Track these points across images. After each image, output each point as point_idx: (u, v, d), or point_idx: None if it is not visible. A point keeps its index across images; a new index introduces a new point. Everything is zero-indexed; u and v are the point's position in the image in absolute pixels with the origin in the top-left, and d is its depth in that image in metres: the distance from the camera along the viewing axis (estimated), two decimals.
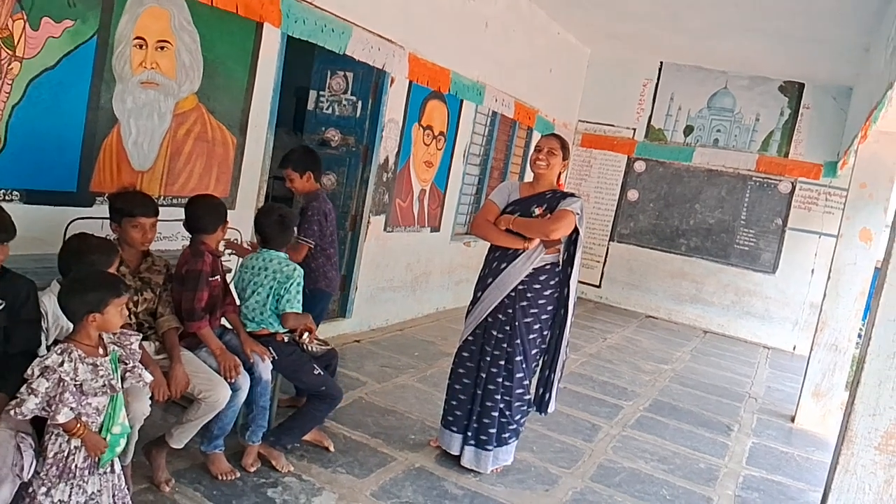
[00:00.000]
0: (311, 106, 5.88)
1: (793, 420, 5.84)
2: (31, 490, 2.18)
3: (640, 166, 9.78)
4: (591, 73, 9.87)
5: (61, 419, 2.13)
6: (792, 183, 8.99)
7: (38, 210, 3.21)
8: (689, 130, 9.47)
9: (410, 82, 5.86)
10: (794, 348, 8.94)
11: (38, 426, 2.27)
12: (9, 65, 3.03)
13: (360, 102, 5.67)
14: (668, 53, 9.13)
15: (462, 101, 6.78)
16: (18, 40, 3.04)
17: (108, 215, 3.00)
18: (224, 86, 4.10)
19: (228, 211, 3.76)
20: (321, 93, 5.83)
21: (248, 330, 3.34)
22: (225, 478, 3.12)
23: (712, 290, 9.46)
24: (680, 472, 4.28)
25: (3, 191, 3.08)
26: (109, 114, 3.49)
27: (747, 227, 9.27)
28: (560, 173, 3.64)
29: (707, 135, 9.38)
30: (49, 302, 2.48)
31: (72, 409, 2.15)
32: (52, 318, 2.49)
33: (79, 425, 2.18)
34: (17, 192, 3.15)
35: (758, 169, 9.10)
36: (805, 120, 8.90)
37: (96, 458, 2.24)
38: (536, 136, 8.58)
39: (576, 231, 3.51)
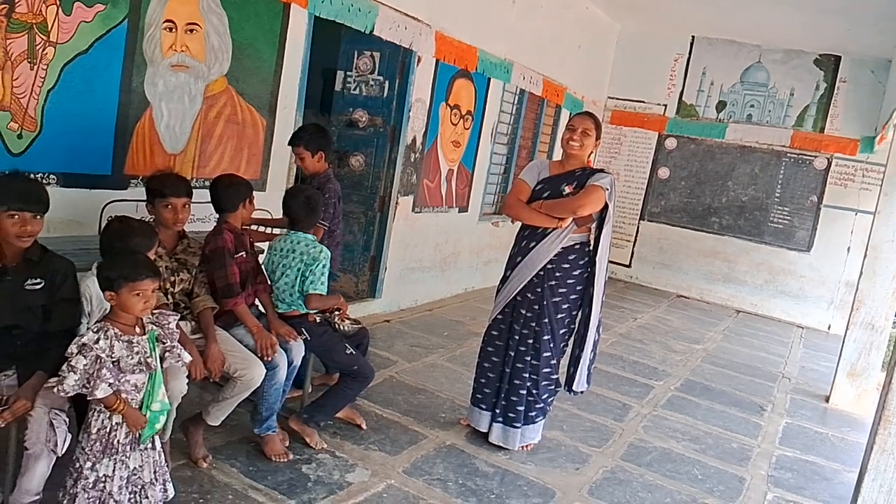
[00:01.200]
0: (338, 87, 5.88)
1: (827, 400, 5.75)
2: (77, 465, 2.24)
3: (671, 143, 9.63)
4: (620, 49, 9.71)
5: (99, 395, 2.18)
6: (828, 159, 8.78)
7: (75, 193, 3.27)
8: (721, 106, 9.28)
9: (437, 61, 5.83)
10: (828, 328, 8.78)
11: (83, 405, 2.33)
12: (43, 50, 3.08)
13: (386, 82, 5.65)
14: (700, 27, 8.93)
15: (489, 80, 6.73)
16: (52, 25, 3.08)
17: (142, 198, 3.05)
18: (253, 67, 4.12)
19: (259, 192, 3.81)
20: (348, 73, 5.83)
21: (279, 311, 3.38)
22: (278, 459, 3.17)
23: (745, 269, 9.31)
24: (712, 452, 4.25)
25: (40, 174, 3.14)
26: (141, 97, 3.53)
27: (781, 204, 9.09)
28: (592, 152, 3.60)
29: (740, 110, 9.19)
30: (92, 285, 2.53)
31: (110, 385, 2.20)
32: (95, 301, 2.53)
33: (118, 401, 2.23)
34: (53, 176, 3.21)
35: (792, 145, 8.89)
36: (841, 94, 8.66)
37: (137, 434, 2.29)
38: (565, 114, 8.49)
39: (605, 207, 3.48)
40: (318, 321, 3.44)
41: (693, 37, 9.33)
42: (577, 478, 3.60)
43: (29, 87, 3.07)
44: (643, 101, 9.68)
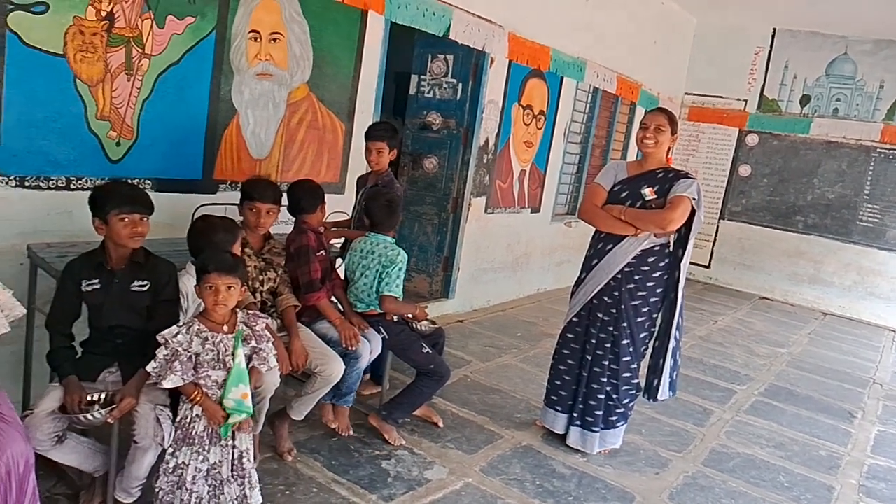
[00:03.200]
0: (412, 90, 5.97)
1: None
2: (164, 451, 2.39)
3: (752, 139, 9.30)
4: (697, 43, 9.46)
5: (167, 385, 2.30)
6: None
7: (168, 197, 3.45)
8: (805, 100, 8.91)
9: (510, 62, 5.83)
10: None
11: (178, 398, 2.47)
12: (139, 62, 3.26)
13: (460, 85, 5.70)
14: (782, 19, 8.60)
15: (562, 79, 6.68)
16: (147, 39, 3.26)
17: (231, 201, 3.20)
18: (332, 74, 4.24)
19: (338, 196, 3.93)
20: (422, 77, 5.91)
21: (357, 310, 3.48)
22: (343, 433, 3.37)
23: (832, 270, 8.90)
24: (798, 459, 4.10)
25: (136, 180, 3.33)
26: (229, 105, 3.69)
27: (871, 201, 8.64)
28: (669, 148, 3.51)
29: (825, 104, 8.80)
30: (188, 282, 2.67)
31: (183, 379, 2.31)
32: (191, 298, 2.68)
33: (196, 392, 2.35)
34: (148, 181, 3.40)
35: (883, 139, 8.45)
36: None
37: (216, 426, 2.38)
38: (640, 112, 8.33)
39: (692, 213, 3.37)
40: (395, 320, 3.52)
41: (774, 29, 8.99)
42: (657, 482, 3.53)
43: (126, 98, 3.25)
44: (722, 97, 9.39)
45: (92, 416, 2.31)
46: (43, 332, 2.78)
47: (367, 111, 4.53)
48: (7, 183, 2.92)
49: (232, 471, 2.44)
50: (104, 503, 2.54)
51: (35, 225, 3.03)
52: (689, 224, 3.39)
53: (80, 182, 3.15)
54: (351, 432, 3.44)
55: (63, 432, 2.37)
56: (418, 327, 3.61)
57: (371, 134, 3.84)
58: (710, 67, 9.38)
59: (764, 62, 9.12)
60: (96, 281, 2.47)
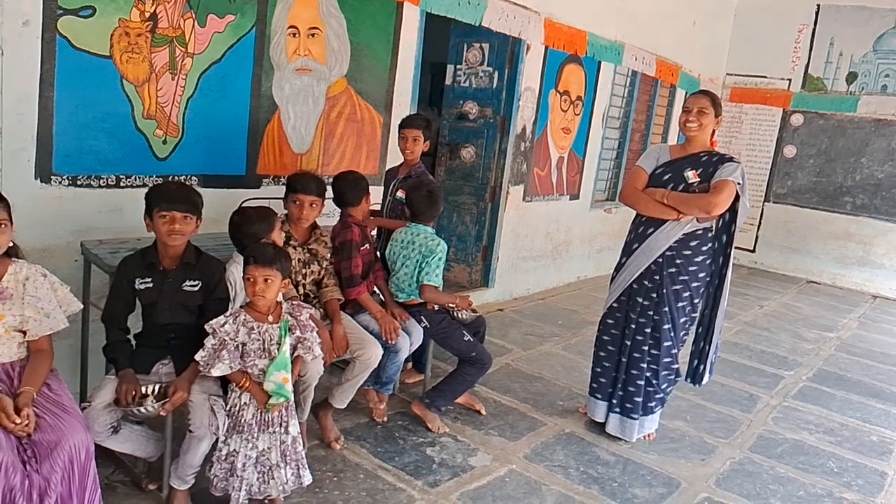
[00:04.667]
0: (448, 80, 5.98)
1: None
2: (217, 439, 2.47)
3: (797, 119, 9.06)
4: (738, 22, 9.24)
5: (215, 373, 2.39)
6: None
7: (213, 193, 3.52)
8: (852, 78, 8.65)
9: (546, 48, 5.79)
10: None
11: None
12: (182, 61, 3.34)
13: (496, 73, 5.69)
14: None
15: (600, 63, 6.60)
16: (189, 38, 3.34)
17: (274, 195, 3.26)
18: (369, 67, 4.27)
19: (377, 187, 3.96)
20: (458, 66, 5.91)
21: (399, 300, 3.53)
22: (378, 419, 3.47)
23: (882, 252, 8.64)
24: (849, 445, 4.02)
25: (183, 176, 3.43)
26: (270, 101, 3.76)
27: None
28: (713, 131, 3.45)
29: (873, 81, 8.52)
30: (236, 271, 2.75)
31: (231, 367, 2.39)
32: (238, 286, 2.75)
33: (244, 379, 2.43)
34: (195, 177, 3.49)
35: None
36: None
37: (262, 410, 2.45)
38: (680, 95, 8.20)
39: (736, 198, 3.32)
40: (436, 309, 3.55)
41: (818, 5, 8.74)
42: (703, 469, 3.51)
43: (171, 97, 3.34)
44: (765, 77, 9.17)
45: (145, 408, 2.39)
46: (98, 326, 2.89)
47: (404, 103, 4.56)
48: (60, 182, 3.02)
49: (284, 455, 2.52)
50: (160, 489, 2.63)
51: (87, 222, 3.14)
52: (732, 209, 3.34)
53: (129, 180, 3.25)
54: (385, 419, 3.49)
55: (118, 422, 2.46)
56: (459, 315, 3.63)
57: (407, 122, 3.86)
58: (751, 47, 9.17)
59: (808, 39, 8.87)
60: (149, 280, 2.54)
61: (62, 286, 2.36)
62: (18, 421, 2.02)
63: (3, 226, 2.17)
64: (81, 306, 2.48)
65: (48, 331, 2.28)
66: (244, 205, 3.35)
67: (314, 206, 3.08)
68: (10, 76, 2.78)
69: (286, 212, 3.14)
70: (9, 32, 2.75)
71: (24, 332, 2.26)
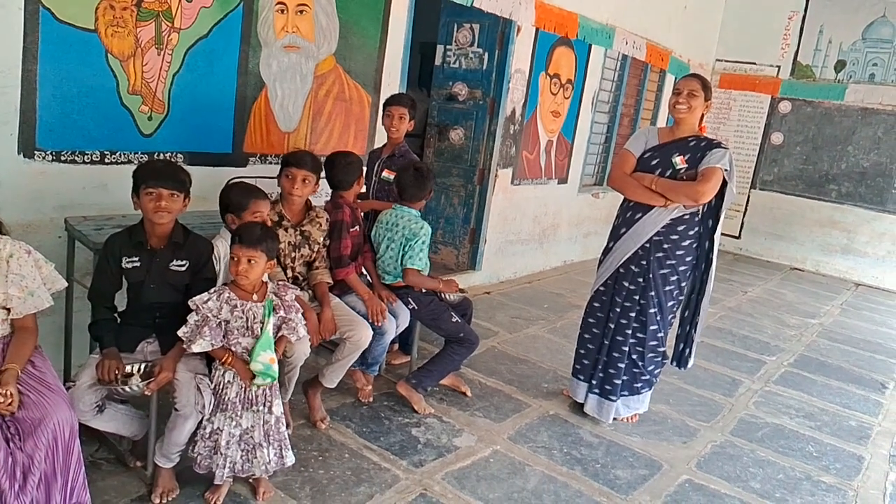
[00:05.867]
0: (438, 61, 5.93)
1: None
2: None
3: (785, 107, 9.10)
4: (729, 8, 9.24)
5: (195, 349, 2.38)
6: None
7: (199, 171, 3.45)
8: (840, 66, 8.68)
9: (537, 30, 5.76)
10: None
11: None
12: (168, 36, 3.28)
13: (486, 54, 5.65)
14: None
15: (590, 46, 6.58)
16: (176, 12, 3.28)
17: (260, 174, 3.23)
18: (358, 45, 4.23)
19: (365, 168, 3.92)
20: (448, 47, 5.86)
21: (385, 282, 3.52)
22: (364, 399, 3.51)
23: (866, 240, 8.74)
24: (828, 430, 4.08)
25: (169, 153, 3.39)
26: (257, 78, 3.71)
27: None
28: (702, 116, 3.45)
29: (861, 70, 8.57)
30: (221, 246, 2.74)
31: (212, 343, 2.39)
32: (223, 261, 2.75)
33: (227, 355, 2.43)
34: (180, 154, 3.45)
35: None
36: None
37: (247, 386, 2.45)
38: (670, 79, 8.20)
39: (724, 183, 3.33)
40: (423, 291, 3.55)
41: None
42: (685, 451, 3.55)
43: (157, 72, 3.29)
44: (754, 63, 9.19)
45: (130, 387, 2.38)
46: (82, 303, 2.88)
47: (393, 83, 4.52)
48: (44, 157, 2.98)
49: (268, 435, 2.52)
50: (145, 467, 2.63)
51: (72, 198, 3.10)
52: (720, 194, 3.35)
53: (114, 156, 3.21)
54: (371, 399, 3.51)
55: (103, 401, 2.45)
56: (447, 297, 3.64)
57: (393, 100, 3.82)
58: (742, 33, 9.17)
59: (798, 27, 8.89)
60: (136, 259, 2.51)
61: (47, 264, 2.33)
62: (1, 399, 2.00)
63: None
64: (66, 284, 2.45)
65: (32, 310, 2.25)
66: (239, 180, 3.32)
67: (307, 181, 3.03)
68: None
69: (280, 190, 3.11)
70: None
71: (8, 310, 2.23)
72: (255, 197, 2.77)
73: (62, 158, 3.04)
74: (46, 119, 2.95)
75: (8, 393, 2.02)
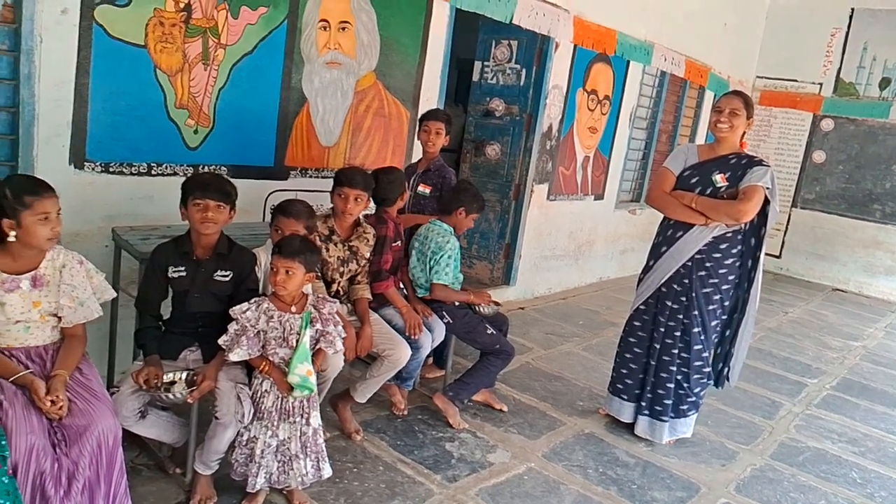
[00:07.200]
0: (475, 77, 5.97)
1: None
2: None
3: (827, 125, 8.93)
4: (770, 25, 9.12)
5: (233, 357, 2.42)
6: None
7: (242, 183, 3.48)
8: (885, 83, 8.50)
9: (575, 46, 5.76)
10: None
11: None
12: (215, 52, 3.37)
13: (523, 70, 5.66)
14: None
15: (628, 63, 6.56)
16: (222, 29, 3.37)
17: (301, 188, 3.28)
18: (398, 62, 4.28)
19: None
20: (485, 63, 5.89)
21: (419, 296, 3.55)
22: (398, 411, 3.51)
23: None
24: (872, 455, 3.96)
25: (213, 166, 3.46)
26: (299, 93, 3.78)
27: None
28: (743, 133, 3.41)
29: None
30: (263, 256, 2.81)
31: (249, 353, 2.43)
32: (263, 272, 2.80)
33: (264, 363, 2.47)
34: (224, 167, 3.52)
35: None
36: None
37: (285, 396, 2.47)
38: (709, 96, 8.13)
39: (766, 202, 3.27)
40: (456, 304, 3.55)
41: (853, 9, 8.59)
42: (724, 474, 3.48)
43: (203, 87, 3.37)
44: (796, 80, 9.05)
45: (173, 395, 2.43)
46: (126, 311, 2.95)
47: (431, 98, 4.56)
48: (94, 169, 3.07)
49: (305, 447, 2.54)
50: (184, 474, 2.67)
51: (119, 209, 3.18)
52: (762, 212, 3.30)
53: (160, 168, 3.29)
54: (406, 412, 3.51)
55: (145, 407, 2.50)
56: (481, 310, 3.64)
57: (430, 115, 3.87)
58: (783, 50, 9.04)
59: (841, 43, 8.74)
60: (182, 268, 2.57)
61: (97, 274, 2.40)
62: (48, 404, 2.05)
63: (58, 217, 2.20)
64: (115, 294, 2.52)
65: (82, 319, 2.31)
66: (275, 198, 3.37)
67: (359, 200, 3.07)
68: (47, 63, 2.83)
69: (332, 206, 3.15)
70: (48, 20, 2.79)
71: (59, 318, 2.29)
72: (284, 215, 2.80)
73: (111, 170, 3.13)
74: (96, 131, 3.04)
75: (58, 398, 2.07)
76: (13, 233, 2.14)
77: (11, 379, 2.12)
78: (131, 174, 3.20)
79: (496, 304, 3.73)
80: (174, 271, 2.56)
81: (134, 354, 2.83)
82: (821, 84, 8.91)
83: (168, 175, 3.31)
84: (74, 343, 2.30)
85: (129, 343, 2.86)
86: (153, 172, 3.27)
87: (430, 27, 4.41)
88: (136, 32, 3.07)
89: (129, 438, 2.54)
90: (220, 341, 2.46)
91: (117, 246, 3.08)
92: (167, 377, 2.49)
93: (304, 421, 2.54)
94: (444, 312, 3.53)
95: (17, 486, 1.89)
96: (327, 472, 2.60)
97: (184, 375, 2.53)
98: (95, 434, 2.08)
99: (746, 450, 3.80)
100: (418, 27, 4.34)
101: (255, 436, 2.49)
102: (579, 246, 6.81)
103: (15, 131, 2.83)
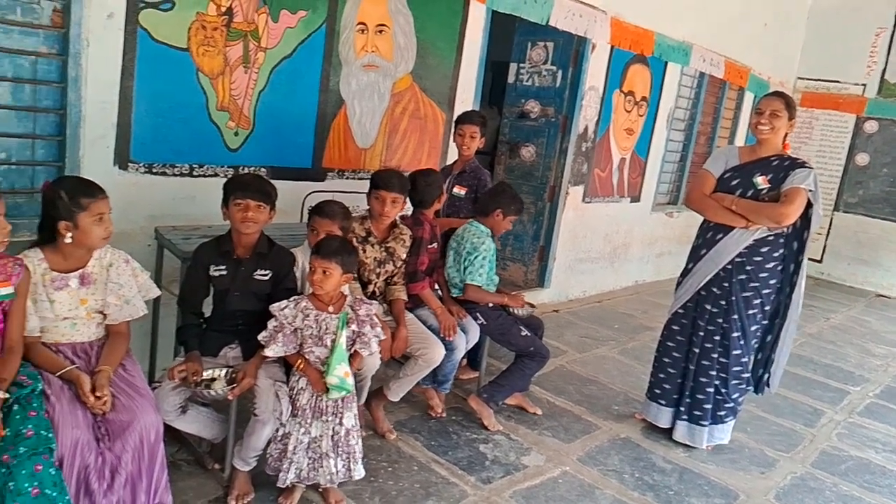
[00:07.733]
0: (511, 79, 5.96)
1: None
2: None
3: (871, 126, 8.70)
4: (812, 25, 8.93)
5: (269, 353, 2.47)
6: None
7: (281, 184, 3.52)
8: None
9: (612, 47, 5.71)
10: None
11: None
12: (255, 55, 3.42)
13: (559, 72, 5.64)
14: None
15: (666, 64, 6.48)
16: (262, 32, 3.42)
17: (338, 189, 3.31)
18: (434, 64, 4.30)
19: None
20: (521, 65, 5.88)
21: (454, 296, 3.55)
22: (435, 414, 3.50)
23: None
24: None
25: (253, 167, 3.52)
26: (337, 96, 3.82)
27: None
28: (786, 134, 3.34)
29: None
30: (300, 255, 2.85)
31: (285, 350, 2.47)
32: (301, 271, 2.84)
33: (299, 360, 2.50)
34: (264, 168, 3.57)
35: None
36: None
37: (320, 394, 2.50)
38: (749, 97, 7.99)
39: (809, 204, 3.21)
40: (490, 306, 3.55)
41: None
42: (763, 482, 3.41)
43: (244, 89, 3.42)
44: (838, 81, 8.84)
45: (214, 391, 2.47)
46: (168, 309, 3.01)
47: (467, 100, 4.57)
48: (137, 169, 3.14)
49: (337, 446, 2.55)
50: (222, 469, 2.71)
51: (162, 209, 3.25)
52: (805, 215, 3.23)
53: (201, 169, 3.35)
54: (444, 415, 3.52)
55: (186, 403, 2.54)
56: (515, 312, 3.63)
57: (465, 118, 3.89)
58: (825, 50, 8.84)
59: (886, 44, 8.51)
60: (223, 267, 2.62)
61: (143, 272, 2.45)
62: (93, 399, 2.10)
63: (109, 217, 2.26)
64: (159, 293, 2.57)
65: (127, 317, 2.37)
66: (313, 199, 3.40)
67: (395, 203, 3.08)
68: (94, 66, 2.90)
69: (368, 207, 3.17)
70: (95, 24, 2.87)
71: (104, 315, 2.35)
72: (320, 215, 2.85)
73: (154, 171, 3.19)
74: (140, 133, 3.11)
75: (102, 393, 2.12)
76: (69, 234, 2.19)
77: (58, 374, 2.17)
78: (174, 175, 3.27)
79: (531, 306, 3.72)
80: (215, 270, 2.61)
81: (175, 351, 2.89)
82: (864, 85, 8.68)
83: (209, 176, 3.37)
84: (119, 340, 2.36)
85: (171, 340, 2.92)
86: (195, 173, 3.34)
87: (467, 29, 4.41)
88: (178, 36, 3.13)
89: (170, 434, 2.58)
90: (260, 337, 2.50)
91: (160, 245, 3.15)
92: (207, 374, 2.53)
93: (337, 420, 2.56)
94: (478, 314, 3.52)
95: (63, 478, 1.94)
96: (359, 473, 2.61)
97: (224, 372, 2.57)
98: (138, 429, 2.12)
99: (787, 457, 3.72)
100: (454, 30, 4.35)
101: (288, 432, 2.52)
102: (615, 248, 6.74)
103: (62, 133, 2.92)
